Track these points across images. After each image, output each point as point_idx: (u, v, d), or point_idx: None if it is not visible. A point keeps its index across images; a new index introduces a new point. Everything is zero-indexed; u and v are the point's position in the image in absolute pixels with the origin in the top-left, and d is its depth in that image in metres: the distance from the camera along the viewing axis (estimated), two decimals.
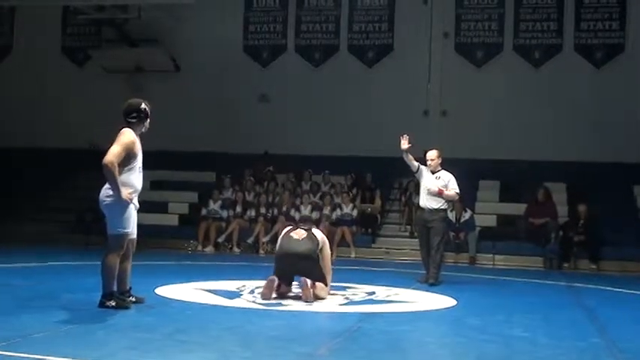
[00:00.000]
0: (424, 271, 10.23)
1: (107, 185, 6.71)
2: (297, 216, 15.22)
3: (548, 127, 17.11)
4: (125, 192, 6.64)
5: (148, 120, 6.99)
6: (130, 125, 6.85)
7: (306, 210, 15.45)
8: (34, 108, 19.29)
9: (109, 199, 6.70)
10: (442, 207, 10.17)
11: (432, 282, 9.86)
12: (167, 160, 17.90)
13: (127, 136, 6.75)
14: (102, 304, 6.73)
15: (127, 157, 6.70)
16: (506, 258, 14.67)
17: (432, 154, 10.27)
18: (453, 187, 10.11)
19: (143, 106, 6.95)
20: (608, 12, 17.42)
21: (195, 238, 15.64)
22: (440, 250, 10.04)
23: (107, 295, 6.75)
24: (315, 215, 15.28)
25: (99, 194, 6.78)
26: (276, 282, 7.74)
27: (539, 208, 15.00)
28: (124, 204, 6.70)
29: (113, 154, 6.58)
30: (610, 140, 16.65)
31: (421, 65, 17.81)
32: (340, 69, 18.54)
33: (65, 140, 18.61)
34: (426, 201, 10.11)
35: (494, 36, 17.88)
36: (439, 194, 10.00)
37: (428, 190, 10.05)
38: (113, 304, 6.72)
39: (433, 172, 10.17)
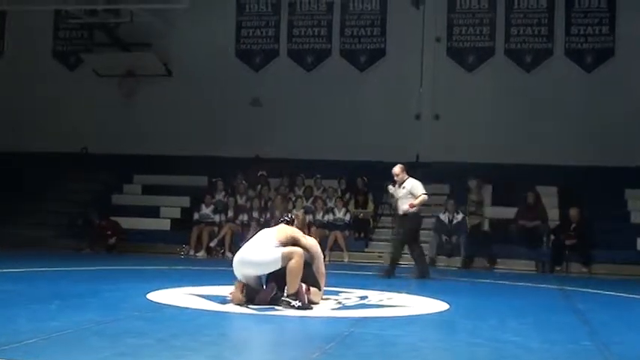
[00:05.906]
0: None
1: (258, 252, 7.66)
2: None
3: (540, 131, 17.13)
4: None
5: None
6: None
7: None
8: (26, 112, 19.19)
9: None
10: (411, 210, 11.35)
11: (418, 276, 11.07)
12: (159, 164, 17.85)
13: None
14: (287, 304, 7.35)
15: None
16: (499, 261, 14.70)
17: (395, 170, 11.45)
18: (415, 193, 11.15)
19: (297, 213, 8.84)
20: (598, 17, 17.50)
21: (188, 243, 15.61)
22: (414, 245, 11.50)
23: (292, 295, 7.43)
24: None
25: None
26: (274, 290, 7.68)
27: (529, 212, 15.05)
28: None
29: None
30: (601, 144, 16.72)
31: (413, 69, 17.85)
32: (332, 73, 18.53)
33: (57, 144, 18.54)
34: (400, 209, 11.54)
35: (485, 40, 17.93)
36: (411, 207, 11.17)
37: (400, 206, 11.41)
38: (299, 304, 7.39)
39: (399, 185, 11.30)
